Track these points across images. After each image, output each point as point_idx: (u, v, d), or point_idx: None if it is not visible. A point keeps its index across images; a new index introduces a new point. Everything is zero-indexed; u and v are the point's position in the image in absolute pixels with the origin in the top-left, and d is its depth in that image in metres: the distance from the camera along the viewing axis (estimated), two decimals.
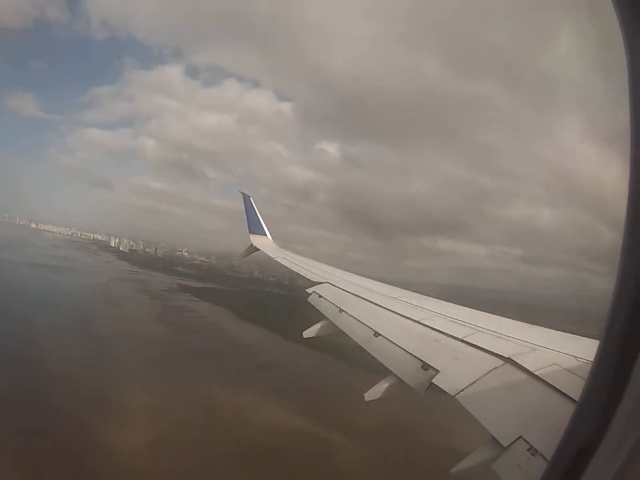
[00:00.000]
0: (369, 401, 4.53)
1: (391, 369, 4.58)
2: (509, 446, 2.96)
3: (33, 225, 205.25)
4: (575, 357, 3.60)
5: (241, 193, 14.78)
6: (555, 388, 3.24)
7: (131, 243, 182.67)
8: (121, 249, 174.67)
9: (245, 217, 14.11)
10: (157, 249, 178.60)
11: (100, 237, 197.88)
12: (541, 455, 2.75)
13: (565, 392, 3.11)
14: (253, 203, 14.30)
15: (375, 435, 31.54)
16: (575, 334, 4.37)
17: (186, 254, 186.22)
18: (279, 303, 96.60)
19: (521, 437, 2.95)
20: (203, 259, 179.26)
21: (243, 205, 14.34)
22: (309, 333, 6.75)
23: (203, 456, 25.49)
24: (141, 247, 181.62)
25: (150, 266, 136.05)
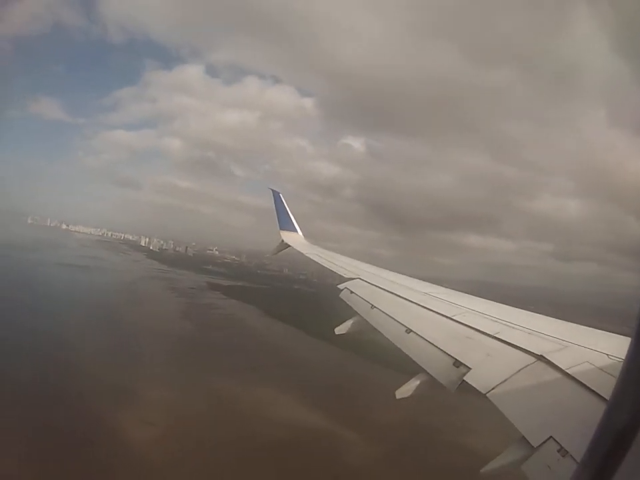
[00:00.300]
0: (400, 399, 4.62)
1: (422, 366, 4.61)
2: (539, 446, 2.96)
3: (64, 226, 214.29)
4: (607, 355, 3.58)
5: (271, 189, 14.83)
6: (586, 386, 3.23)
7: (161, 242, 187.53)
8: (151, 248, 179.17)
9: (275, 214, 14.22)
10: (187, 247, 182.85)
11: (130, 237, 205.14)
12: (571, 456, 2.73)
13: (597, 391, 3.10)
14: (283, 199, 14.37)
15: (394, 432, 31.74)
16: (607, 331, 4.32)
17: (216, 252, 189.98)
18: (307, 300, 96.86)
19: (551, 437, 2.94)
20: (233, 257, 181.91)
21: (272, 202, 14.43)
22: (341, 329, 6.83)
23: (207, 447, 26.50)
24: (171, 246, 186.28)
25: (179, 264, 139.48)
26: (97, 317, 58.22)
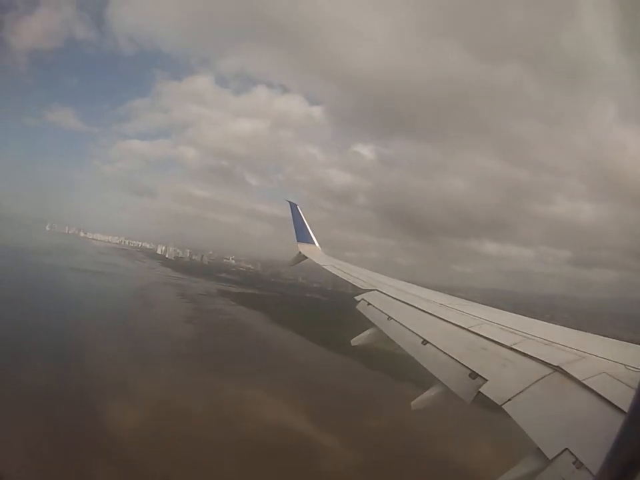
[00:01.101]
0: (415, 410, 4.61)
1: (438, 377, 4.61)
2: (554, 458, 2.93)
3: (82, 234, 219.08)
4: (624, 365, 3.54)
5: (288, 201, 14.96)
6: (603, 398, 3.19)
7: (178, 250, 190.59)
8: (167, 256, 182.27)
9: (293, 225, 14.33)
10: (202, 256, 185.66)
11: (148, 245, 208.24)
12: (586, 468, 2.70)
13: (614, 402, 3.07)
14: (300, 211, 14.47)
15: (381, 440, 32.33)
16: (626, 340, 4.26)
17: (233, 261, 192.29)
18: (316, 308, 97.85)
19: (566, 449, 2.91)
20: (249, 266, 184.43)
21: (288, 210, 14.54)
22: (357, 340, 6.85)
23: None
24: (188, 254, 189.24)
25: (193, 272, 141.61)
26: (102, 318, 60.18)
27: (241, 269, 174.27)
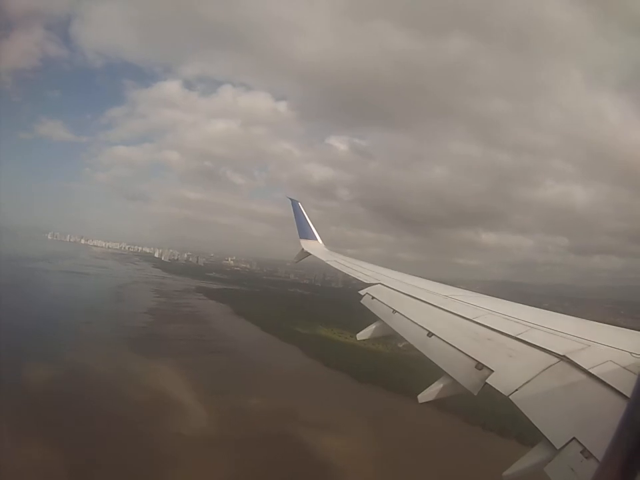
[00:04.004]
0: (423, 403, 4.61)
1: (444, 369, 4.61)
2: (562, 448, 2.93)
3: (83, 241, 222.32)
4: (630, 353, 3.53)
5: (290, 198, 14.92)
6: (610, 386, 3.19)
7: (175, 253, 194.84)
8: (163, 259, 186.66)
9: (292, 222, 14.26)
10: (198, 257, 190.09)
11: (148, 250, 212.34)
12: (594, 457, 2.69)
13: (620, 390, 3.07)
14: (302, 208, 14.41)
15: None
16: (631, 328, 4.25)
17: (231, 262, 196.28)
18: (289, 302, 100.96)
19: (574, 438, 2.91)
20: (245, 265, 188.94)
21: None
22: (364, 334, 6.82)
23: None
24: (185, 257, 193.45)
25: (183, 272, 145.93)
26: (66, 309, 68.78)
27: (237, 268, 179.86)
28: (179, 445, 33.94)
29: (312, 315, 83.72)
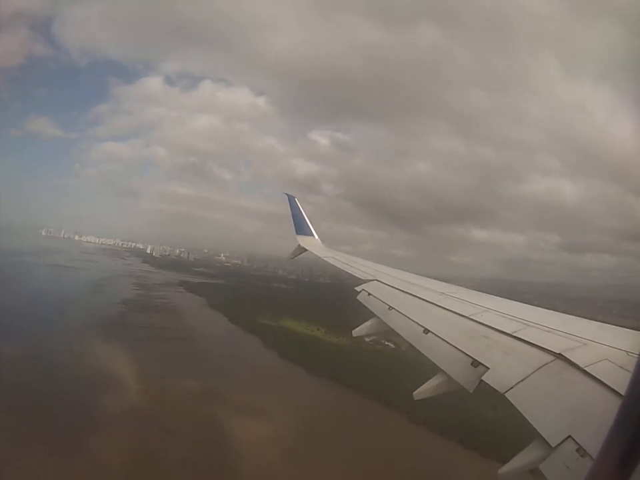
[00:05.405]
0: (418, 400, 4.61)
1: (440, 366, 4.60)
2: (557, 446, 2.93)
3: (77, 237, 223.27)
4: (626, 352, 3.54)
5: (286, 194, 14.84)
6: (605, 384, 3.19)
7: (167, 249, 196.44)
8: (153, 254, 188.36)
9: (287, 219, 14.22)
10: (188, 253, 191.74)
11: (140, 246, 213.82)
12: (590, 455, 2.69)
13: (616, 389, 3.07)
14: (299, 204, 14.34)
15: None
16: (622, 326, 4.26)
17: (223, 258, 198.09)
18: (270, 295, 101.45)
19: (569, 436, 2.91)
20: (236, 261, 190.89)
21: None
22: (359, 331, 6.79)
23: None
24: (177, 252, 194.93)
25: (169, 267, 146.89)
26: (42, 300, 70.62)
27: (227, 264, 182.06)
28: (102, 417, 35.95)
29: (287, 308, 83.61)
